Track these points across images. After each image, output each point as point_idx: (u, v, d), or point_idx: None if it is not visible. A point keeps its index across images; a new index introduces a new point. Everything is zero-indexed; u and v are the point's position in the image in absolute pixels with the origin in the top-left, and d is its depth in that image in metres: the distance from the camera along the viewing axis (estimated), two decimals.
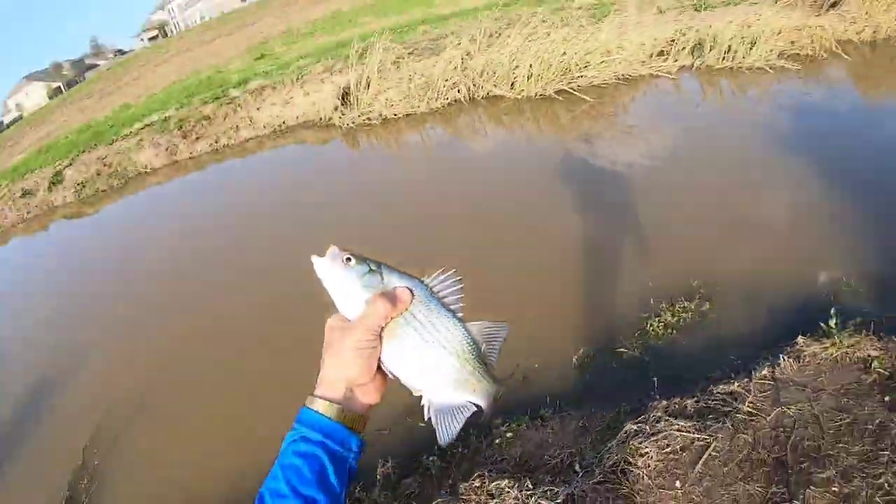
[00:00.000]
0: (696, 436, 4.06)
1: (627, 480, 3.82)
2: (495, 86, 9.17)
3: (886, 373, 4.00)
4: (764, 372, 4.36)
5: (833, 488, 3.61)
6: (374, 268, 0.91)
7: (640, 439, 4.09)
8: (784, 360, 4.33)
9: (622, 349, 5.11)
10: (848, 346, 4.22)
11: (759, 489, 3.76)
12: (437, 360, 0.90)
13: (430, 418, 0.95)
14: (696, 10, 10.33)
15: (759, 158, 6.91)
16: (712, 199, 6.43)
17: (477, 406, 0.95)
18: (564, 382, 4.46)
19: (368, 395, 0.94)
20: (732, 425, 4.10)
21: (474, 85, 9.28)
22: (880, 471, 3.55)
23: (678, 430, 4.13)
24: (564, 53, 8.82)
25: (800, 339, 4.42)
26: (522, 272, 5.61)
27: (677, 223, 6.21)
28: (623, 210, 6.31)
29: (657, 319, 5.25)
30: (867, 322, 4.33)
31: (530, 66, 8.91)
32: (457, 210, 6.70)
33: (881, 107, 7.27)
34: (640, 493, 3.75)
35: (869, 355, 4.16)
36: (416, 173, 8.30)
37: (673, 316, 5.26)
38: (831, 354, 4.26)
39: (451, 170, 8.13)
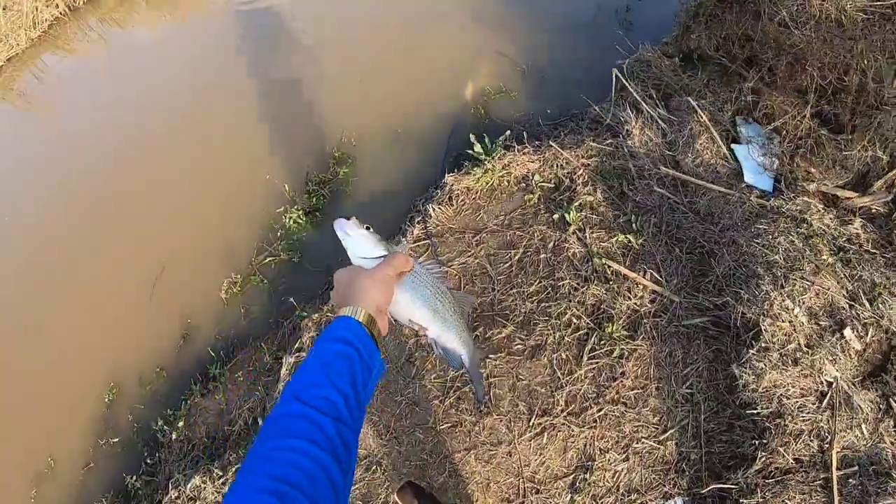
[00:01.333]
0: None
1: None
2: None
3: (551, 185, 3.12)
4: (416, 231, 3.16)
5: (516, 346, 2.66)
6: (383, 238, 1.20)
7: None
8: (434, 209, 3.19)
9: (271, 258, 3.68)
10: (503, 169, 3.22)
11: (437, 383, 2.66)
12: (437, 304, 1.18)
13: (438, 352, 1.22)
14: None
15: None
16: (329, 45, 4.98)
17: (461, 359, 1.23)
18: (218, 323, 3.52)
19: (384, 326, 1.04)
20: None
21: None
22: (563, 307, 2.65)
23: None
24: None
25: (448, 178, 3.37)
26: None
27: (287, 90, 4.68)
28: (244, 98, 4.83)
29: (294, 210, 3.78)
30: (518, 132, 3.39)
31: None
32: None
33: None
34: None
35: (528, 171, 3.23)
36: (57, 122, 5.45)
37: (310, 197, 3.86)
38: (487, 183, 3.23)
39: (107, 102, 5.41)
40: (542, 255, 3.03)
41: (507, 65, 4.19)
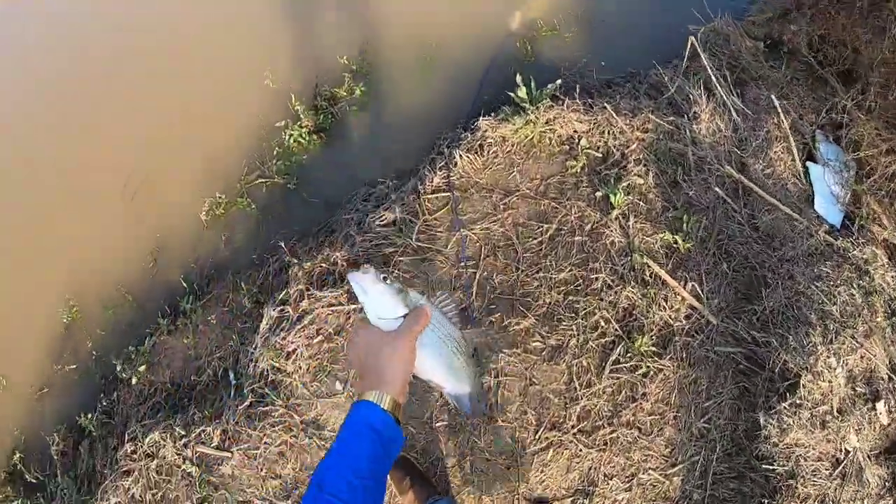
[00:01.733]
0: (352, 307, 2.53)
1: (281, 394, 2.44)
2: None
3: (598, 154, 2.72)
4: (435, 180, 2.73)
5: (535, 343, 2.42)
6: (402, 287, 1.08)
7: (284, 331, 2.51)
8: (461, 156, 2.73)
9: (263, 179, 3.13)
10: (546, 124, 2.78)
11: None
12: (454, 360, 1.12)
13: (452, 402, 1.17)
14: None
15: None
16: None
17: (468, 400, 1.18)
18: (195, 249, 3.05)
19: (405, 395, 1.03)
20: None
21: None
22: (593, 305, 2.40)
23: (329, 307, 2.54)
24: None
25: (482, 121, 2.85)
26: None
27: None
28: None
29: (297, 126, 3.14)
30: (570, 83, 2.90)
31: None
32: None
33: None
34: (299, 408, 2.43)
35: (575, 132, 2.81)
36: None
37: (317, 113, 3.19)
38: (526, 136, 2.80)
39: None
40: (577, 238, 2.69)
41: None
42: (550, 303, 2.56)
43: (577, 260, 2.65)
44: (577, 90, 3.04)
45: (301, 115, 3.03)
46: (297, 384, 2.39)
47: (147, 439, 2.37)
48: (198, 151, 3.15)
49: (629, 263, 2.62)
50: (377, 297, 1.05)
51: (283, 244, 2.68)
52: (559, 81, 3.04)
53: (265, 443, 2.34)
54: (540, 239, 2.70)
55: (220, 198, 2.99)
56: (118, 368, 2.62)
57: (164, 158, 3.20)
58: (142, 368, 2.59)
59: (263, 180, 3.03)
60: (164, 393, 2.59)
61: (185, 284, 2.82)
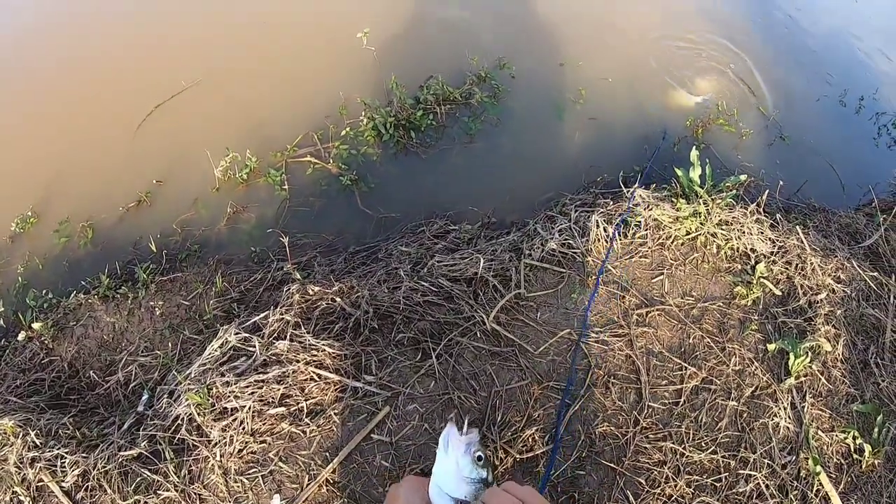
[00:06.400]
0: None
1: (183, 468, 1.43)
2: None
3: (779, 291, 1.88)
4: (550, 245, 2.04)
5: None
6: (488, 479, 0.80)
7: (234, 374, 1.50)
8: (598, 223, 1.82)
9: (313, 159, 2.27)
10: (719, 225, 1.86)
11: None
12: None
13: None
14: None
15: None
16: None
17: None
18: (192, 208, 2.15)
19: None
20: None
21: None
22: None
23: (316, 367, 1.55)
24: None
25: (639, 192, 2.04)
26: None
27: None
28: None
29: (383, 111, 2.27)
30: (757, 186, 1.98)
31: None
32: None
33: None
34: None
35: (753, 249, 1.83)
36: None
37: (416, 109, 2.30)
38: (689, 233, 1.84)
39: None
40: (731, 403, 1.64)
41: (744, 93, 2.68)
42: (672, 496, 1.46)
43: (725, 438, 1.60)
44: (765, 197, 2.08)
45: (395, 99, 2.11)
46: (214, 464, 1.30)
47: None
48: (246, 92, 2.29)
49: (795, 467, 1.57)
50: (451, 466, 0.76)
51: (285, 238, 1.67)
52: (744, 177, 2.12)
53: None
54: (678, 387, 1.64)
55: (250, 159, 2.07)
56: (33, 308, 1.83)
57: (211, 88, 2.38)
58: (37, 325, 1.70)
59: (313, 161, 2.08)
60: (55, 373, 1.66)
61: (153, 249, 1.90)
